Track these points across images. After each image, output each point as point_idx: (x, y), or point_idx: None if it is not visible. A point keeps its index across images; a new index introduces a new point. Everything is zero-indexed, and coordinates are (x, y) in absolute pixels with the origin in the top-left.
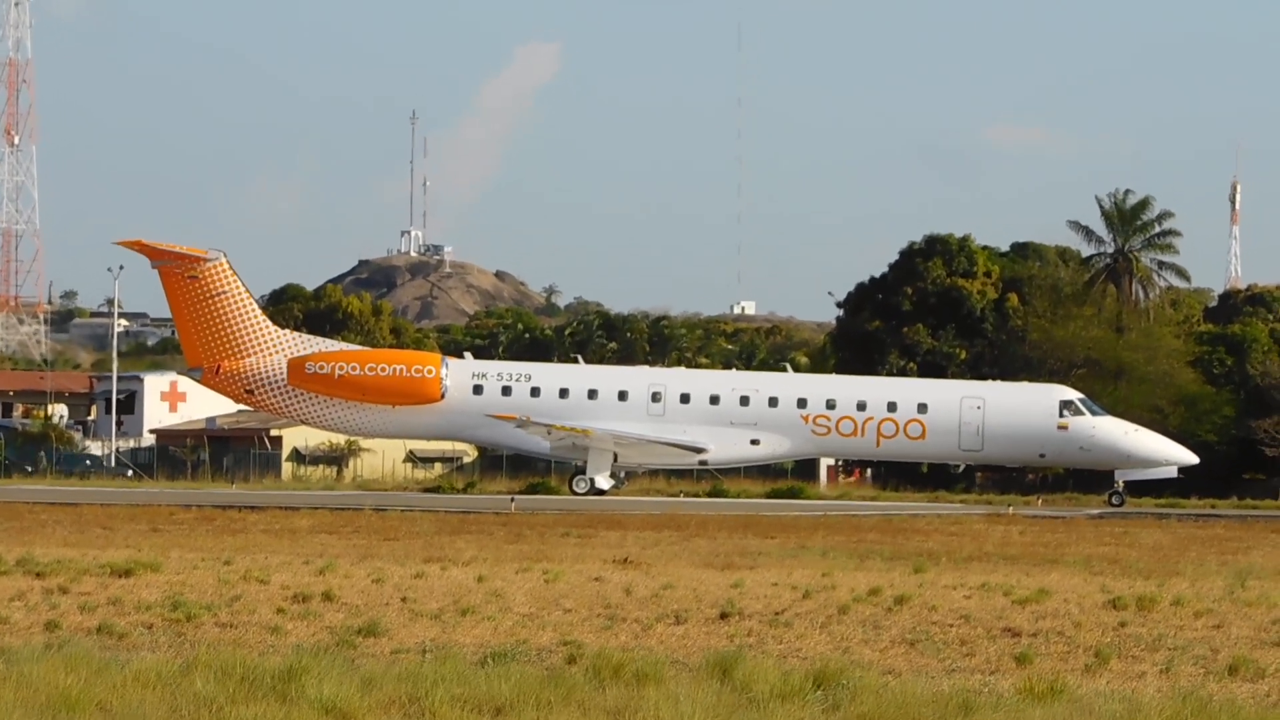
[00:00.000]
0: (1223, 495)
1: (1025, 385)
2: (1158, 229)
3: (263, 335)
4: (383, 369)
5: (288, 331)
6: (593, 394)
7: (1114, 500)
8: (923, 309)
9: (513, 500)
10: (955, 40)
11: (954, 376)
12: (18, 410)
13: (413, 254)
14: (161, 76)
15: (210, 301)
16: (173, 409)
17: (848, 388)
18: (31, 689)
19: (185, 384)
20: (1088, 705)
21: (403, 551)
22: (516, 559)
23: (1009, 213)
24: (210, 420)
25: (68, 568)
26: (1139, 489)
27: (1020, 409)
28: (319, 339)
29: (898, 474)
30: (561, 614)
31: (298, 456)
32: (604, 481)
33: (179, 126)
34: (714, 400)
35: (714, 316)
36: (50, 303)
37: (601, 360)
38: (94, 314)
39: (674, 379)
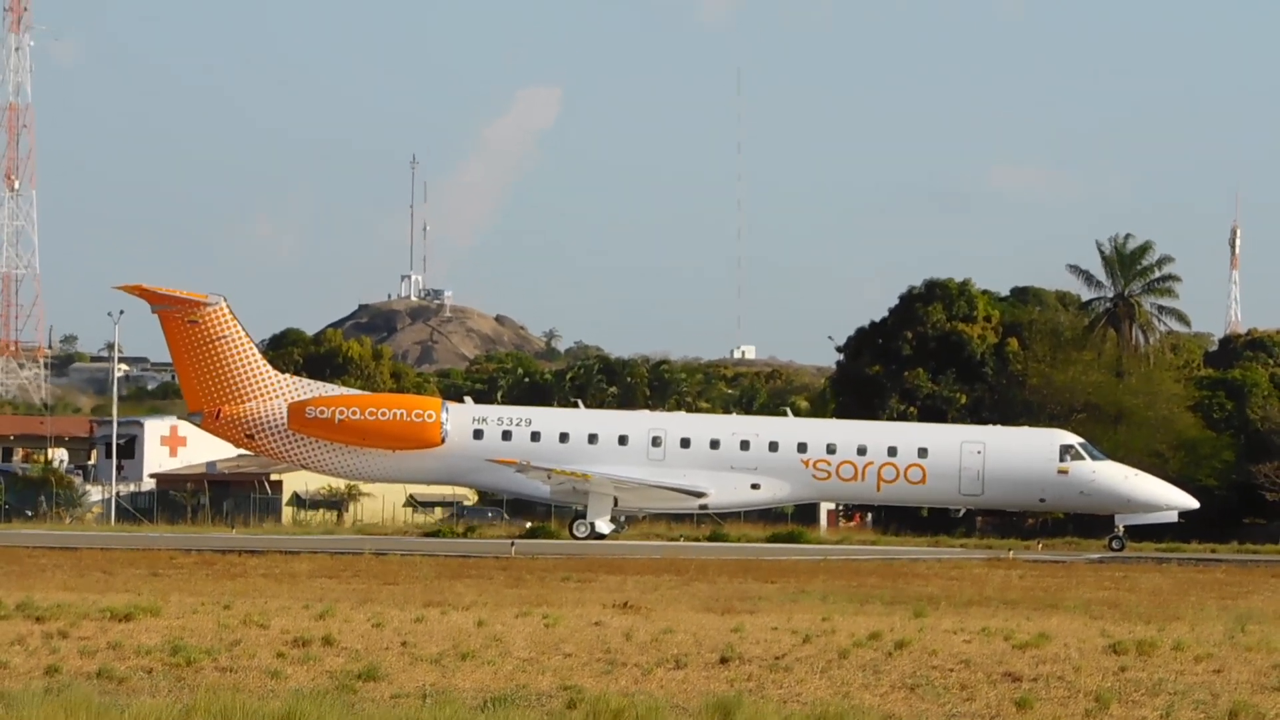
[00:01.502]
0: (1223, 540)
1: (1025, 430)
2: (1158, 273)
3: (263, 380)
4: (383, 413)
5: (288, 376)
6: (593, 438)
7: (1114, 545)
8: (923, 353)
9: (513, 544)
10: (956, 84)
11: (954, 421)
12: (18, 455)
13: (413, 298)
14: (161, 121)
15: (210, 346)
16: (173, 453)
17: (848, 432)
18: None
19: (185, 428)
20: None
21: (402, 596)
22: (516, 603)
23: (1009, 257)
24: (210, 465)
25: (67, 612)
26: (1139, 533)
27: (1020, 453)
28: (319, 383)
29: (898, 518)
30: (561, 658)
31: (298, 501)
32: (604, 526)
33: (179, 171)
34: (714, 445)
35: (714, 361)
36: (50, 347)
37: (601, 404)
38: (94, 358)
39: (674, 423)
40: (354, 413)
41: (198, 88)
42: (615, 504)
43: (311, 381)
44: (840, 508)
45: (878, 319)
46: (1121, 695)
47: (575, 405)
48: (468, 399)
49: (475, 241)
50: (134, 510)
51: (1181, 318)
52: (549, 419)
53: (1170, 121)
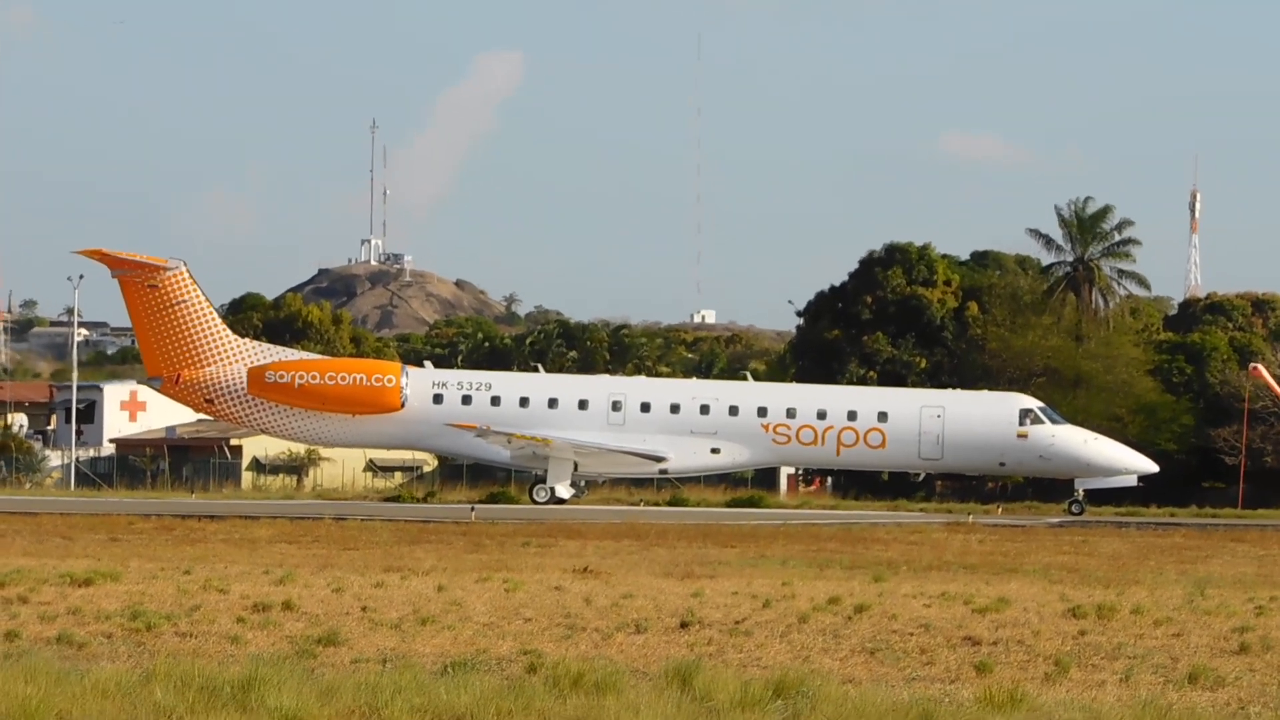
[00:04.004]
0: (1182, 504)
1: (985, 394)
2: (1117, 237)
3: (223, 344)
4: (343, 378)
5: (248, 340)
6: (553, 403)
7: (1073, 509)
8: (882, 318)
9: (473, 509)
10: (915, 47)
11: (914, 385)
12: None
13: (372, 263)
14: (120, 86)
15: (170, 311)
16: (132, 418)
17: (808, 396)
18: None
19: (145, 393)
20: (1048, 714)
21: (362, 561)
22: (476, 568)
23: (969, 221)
24: (170, 430)
25: (27, 577)
26: (1099, 497)
27: (980, 417)
28: (279, 348)
29: (858, 483)
30: (521, 623)
31: (257, 466)
32: (564, 490)
33: (138, 135)
34: (674, 409)
35: (674, 325)
36: (9, 312)
37: (561, 369)
38: (53, 323)
39: (634, 388)
40: (314, 377)
41: (155, 53)
42: (575, 469)
43: (271, 346)
44: (800, 472)
45: (837, 283)
46: (1081, 659)
47: (535, 370)
48: (428, 364)
49: (435, 206)
50: (93, 475)
51: (1141, 281)
52: (509, 384)
53: (1131, 85)
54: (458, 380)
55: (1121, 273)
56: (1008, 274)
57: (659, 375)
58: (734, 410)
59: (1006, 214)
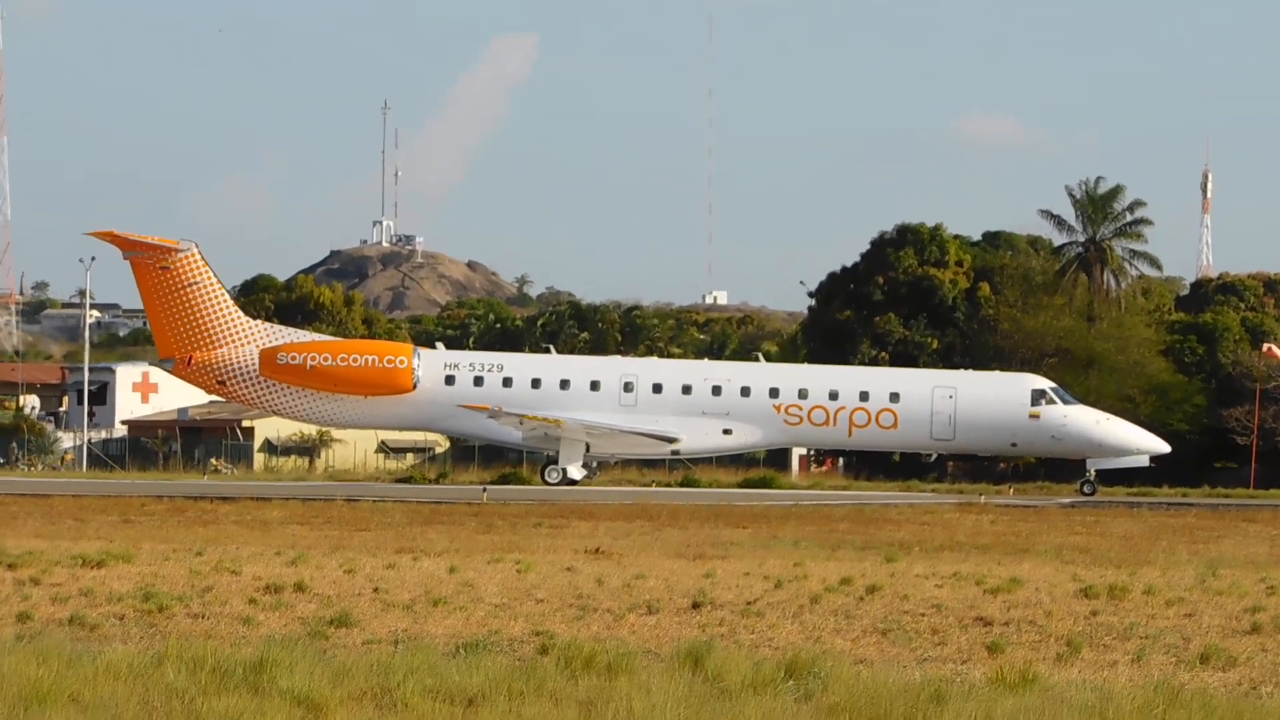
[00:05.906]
0: (1194, 484)
1: (997, 374)
2: (1129, 218)
3: (234, 326)
4: (355, 359)
5: (259, 322)
6: (565, 384)
7: (1085, 489)
8: (894, 298)
9: (484, 490)
10: (927, 28)
11: (925, 366)
12: None
13: (384, 244)
14: (132, 67)
15: (182, 292)
16: (144, 400)
17: (820, 377)
18: (2, 681)
19: (157, 375)
20: (1059, 694)
21: (374, 542)
22: (488, 549)
23: (981, 202)
24: (182, 411)
25: (39, 559)
26: (1111, 478)
27: (992, 398)
28: (291, 330)
29: (870, 463)
30: (533, 604)
31: (269, 447)
32: (576, 471)
33: (150, 117)
34: (686, 390)
35: (686, 306)
36: (21, 294)
37: (573, 350)
38: (65, 305)
39: (646, 369)
40: (326, 359)
41: (169, 33)
42: (587, 450)
43: (283, 328)
44: (812, 453)
45: (849, 264)
46: (1093, 639)
47: (547, 351)
48: (439, 345)
49: (447, 188)
50: (106, 457)
51: (1153, 262)
52: (521, 365)
53: (1142, 65)
54: (470, 361)
55: (1133, 253)
56: (1019, 255)
57: (671, 356)
58: (746, 391)
59: (1018, 194)
